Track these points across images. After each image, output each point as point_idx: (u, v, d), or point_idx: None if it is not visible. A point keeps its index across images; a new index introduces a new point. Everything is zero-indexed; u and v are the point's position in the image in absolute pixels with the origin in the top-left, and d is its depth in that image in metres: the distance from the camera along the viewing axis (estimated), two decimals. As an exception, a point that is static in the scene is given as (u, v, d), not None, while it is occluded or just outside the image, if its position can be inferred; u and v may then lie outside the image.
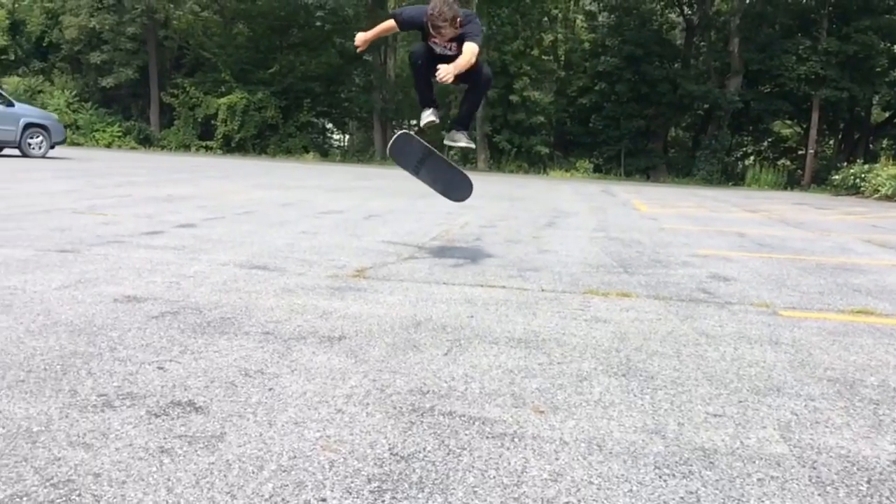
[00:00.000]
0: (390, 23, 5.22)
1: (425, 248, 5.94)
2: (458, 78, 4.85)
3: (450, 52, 4.92)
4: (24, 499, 1.62)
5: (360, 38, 5.35)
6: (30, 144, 17.08)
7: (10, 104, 17.10)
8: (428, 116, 5.31)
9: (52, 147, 17.67)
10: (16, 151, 17.18)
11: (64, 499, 1.63)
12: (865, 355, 3.23)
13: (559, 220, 9.10)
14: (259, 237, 5.95)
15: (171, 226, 6.36)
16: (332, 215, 8.04)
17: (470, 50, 4.74)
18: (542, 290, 4.38)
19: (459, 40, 4.86)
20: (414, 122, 42.27)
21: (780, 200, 17.36)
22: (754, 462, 2.04)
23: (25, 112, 17.55)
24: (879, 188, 19.02)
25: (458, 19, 4.74)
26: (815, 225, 10.37)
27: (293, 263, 4.87)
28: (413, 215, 8.67)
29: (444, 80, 4.73)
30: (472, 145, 5.78)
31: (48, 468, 1.76)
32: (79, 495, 1.65)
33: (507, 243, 6.51)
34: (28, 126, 17.05)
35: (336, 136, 42.45)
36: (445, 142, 5.58)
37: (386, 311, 3.61)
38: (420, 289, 4.23)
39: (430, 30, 4.79)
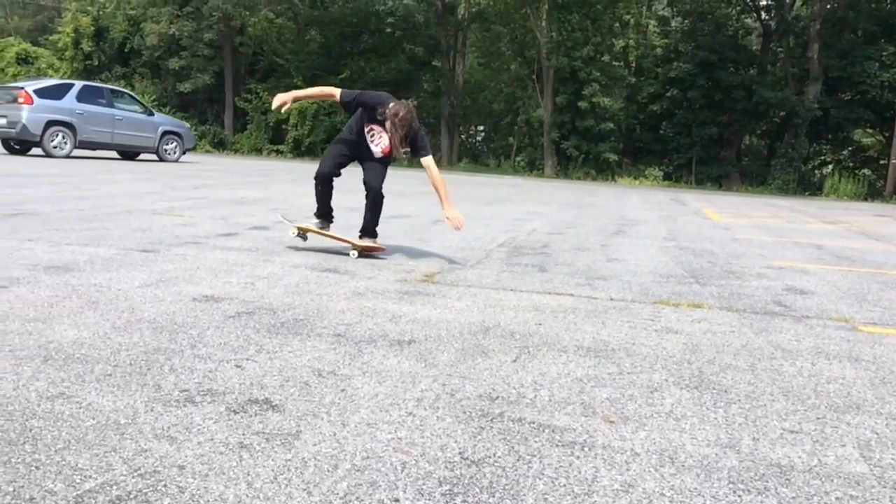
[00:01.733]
0: (330, 90, 5.44)
1: (493, 254, 5.96)
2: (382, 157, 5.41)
3: (379, 153, 5.36)
4: (114, 487, 1.70)
5: (283, 98, 5.28)
6: (166, 150, 18.56)
7: (151, 113, 18.65)
8: (319, 226, 5.60)
9: (183, 153, 19.09)
10: (153, 156, 18.62)
11: (151, 489, 1.70)
12: (952, 375, 3.10)
13: (628, 229, 8.99)
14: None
15: (244, 228, 6.54)
16: (399, 220, 8.12)
17: (433, 165, 5.29)
18: (612, 299, 4.34)
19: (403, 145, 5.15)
20: (481, 127, 42.31)
21: (859, 212, 16.76)
22: (832, 480, 1.99)
23: (162, 121, 19.14)
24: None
25: (413, 133, 5.09)
26: (898, 238, 9.98)
27: (363, 267, 4.95)
28: (480, 221, 8.69)
29: (403, 155, 5.21)
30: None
31: (135, 459, 1.85)
32: (164, 486, 1.72)
33: (575, 251, 6.47)
34: (165, 133, 18.52)
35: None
36: (362, 243, 5.50)
37: (454, 317, 3.64)
38: (488, 295, 4.25)
39: (386, 124, 5.08)
